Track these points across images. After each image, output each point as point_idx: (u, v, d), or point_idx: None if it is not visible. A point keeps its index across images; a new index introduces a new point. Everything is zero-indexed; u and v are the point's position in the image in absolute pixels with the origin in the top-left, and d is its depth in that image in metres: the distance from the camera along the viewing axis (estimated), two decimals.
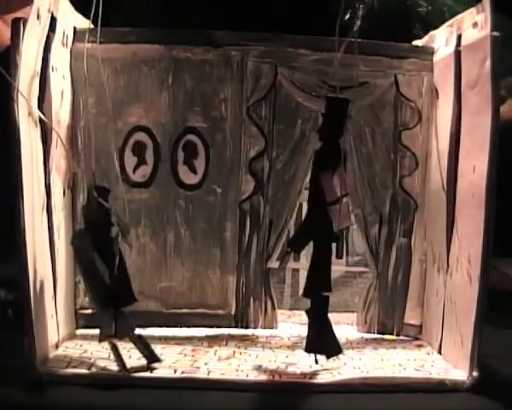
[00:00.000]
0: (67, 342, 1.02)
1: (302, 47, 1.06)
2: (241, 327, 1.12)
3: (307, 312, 0.97)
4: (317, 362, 0.94)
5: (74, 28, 1.04)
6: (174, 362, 0.94)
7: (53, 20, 0.96)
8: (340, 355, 0.97)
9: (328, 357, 0.95)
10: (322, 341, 0.96)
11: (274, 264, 1.14)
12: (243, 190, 1.10)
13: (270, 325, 1.13)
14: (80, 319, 1.09)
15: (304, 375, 0.93)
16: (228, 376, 0.91)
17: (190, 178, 1.09)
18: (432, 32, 1.10)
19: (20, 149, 0.87)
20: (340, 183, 0.96)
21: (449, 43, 1.03)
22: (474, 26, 0.94)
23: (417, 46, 1.12)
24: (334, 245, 0.99)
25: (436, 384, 0.92)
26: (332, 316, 1.14)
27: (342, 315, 1.20)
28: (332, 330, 0.98)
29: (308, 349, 0.97)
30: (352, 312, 1.19)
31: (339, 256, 1.15)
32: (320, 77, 1.07)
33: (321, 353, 0.95)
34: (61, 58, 1.00)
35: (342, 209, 0.96)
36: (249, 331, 1.12)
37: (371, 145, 1.12)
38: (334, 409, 0.87)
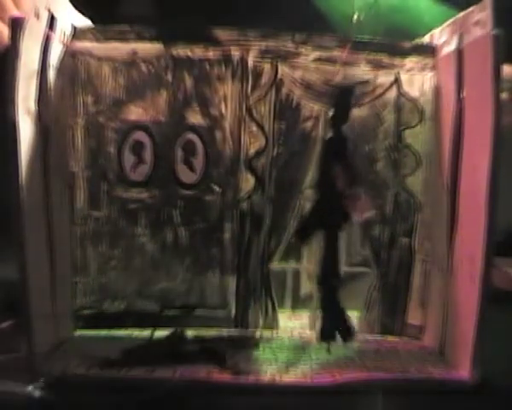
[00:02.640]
0: (66, 343, 1.02)
1: (303, 45, 1.05)
2: (241, 328, 1.11)
3: (320, 301, 1.01)
4: (329, 351, 0.95)
5: (73, 27, 1.03)
6: (174, 363, 0.94)
7: (52, 19, 0.96)
8: (341, 356, 0.97)
9: (345, 340, 0.96)
10: (335, 327, 0.98)
11: (275, 264, 1.13)
12: (243, 190, 1.09)
13: (271, 325, 1.12)
14: (79, 320, 1.08)
15: (304, 376, 0.92)
16: (228, 377, 0.91)
17: (189, 178, 1.09)
18: (433, 31, 1.10)
19: (19, 148, 0.87)
20: (352, 172, 0.96)
21: (451, 41, 1.03)
22: (476, 24, 0.94)
23: (419, 44, 1.12)
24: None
25: (438, 385, 0.92)
26: None
27: None
28: (345, 315, 0.99)
29: (323, 337, 0.98)
30: (354, 312, 1.17)
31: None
32: (321, 75, 1.07)
33: (335, 339, 0.96)
34: (60, 57, 1.00)
35: (363, 198, 0.96)
36: (249, 332, 1.11)
37: (373, 144, 1.11)
38: None
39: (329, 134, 1.03)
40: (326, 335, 1.00)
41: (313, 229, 1.05)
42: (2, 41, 1.08)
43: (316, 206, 1.02)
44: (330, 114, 1.04)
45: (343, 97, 1.02)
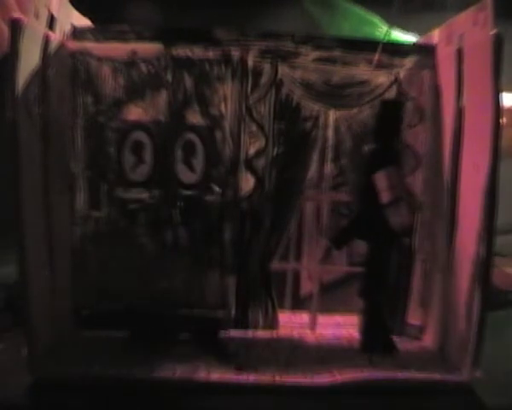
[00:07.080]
0: (67, 342, 1.02)
1: (303, 45, 1.05)
2: (241, 328, 1.11)
3: (362, 312, 1.03)
4: (371, 362, 0.97)
5: (73, 27, 1.03)
6: (173, 363, 0.94)
7: (52, 19, 0.96)
8: (341, 355, 0.97)
9: (383, 354, 0.99)
10: (376, 340, 0.99)
11: (275, 264, 1.13)
12: (243, 190, 1.09)
13: (271, 326, 1.12)
14: (80, 320, 1.08)
15: (304, 376, 0.92)
16: (228, 377, 0.91)
17: (189, 177, 1.08)
18: (434, 30, 1.10)
19: (19, 149, 0.87)
20: (397, 183, 0.99)
21: (450, 41, 1.03)
22: (475, 24, 0.94)
23: (419, 44, 1.12)
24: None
25: (438, 385, 0.92)
26: (333, 317, 1.14)
27: (344, 316, 1.19)
28: (387, 329, 1.04)
29: (363, 349, 1.01)
30: (354, 313, 1.18)
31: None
32: (321, 75, 1.07)
33: (375, 352, 0.99)
34: (60, 57, 1.00)
35: (404, 209, 0.99)
36: (249, 333, 1.11)
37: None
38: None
39: (371, 146, 1.06)
40: (365, 349, 1.03)
41: (349, 238, 1.08)
42: (4, 42, 1.08)
43: (358, 216, 1.06)
44: (376, 126, 1.06)
45: (390, 112, 1.05)
